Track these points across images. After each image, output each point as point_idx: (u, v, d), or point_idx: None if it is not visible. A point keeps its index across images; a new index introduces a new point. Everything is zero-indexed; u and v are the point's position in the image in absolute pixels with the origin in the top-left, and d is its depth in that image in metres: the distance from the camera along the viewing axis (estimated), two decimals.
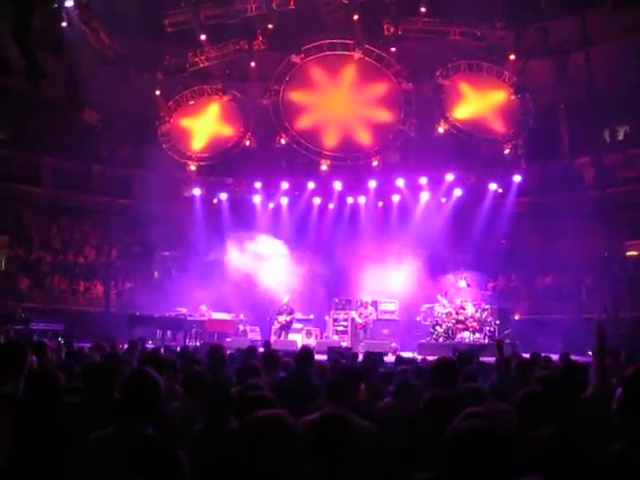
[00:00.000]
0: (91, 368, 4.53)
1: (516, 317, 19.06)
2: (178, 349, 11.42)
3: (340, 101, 22.42)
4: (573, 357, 7.67)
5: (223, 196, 22.66)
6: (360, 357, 10.70)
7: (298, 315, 19.24)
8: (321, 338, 18.85)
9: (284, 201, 22.68)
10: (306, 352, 6.46)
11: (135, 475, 2.55)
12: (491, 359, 9.02)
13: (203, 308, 18.93)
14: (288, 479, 2.70)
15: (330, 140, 22.31)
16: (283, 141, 22.32)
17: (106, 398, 3.95)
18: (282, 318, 18.34)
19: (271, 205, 22.68)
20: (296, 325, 18.99)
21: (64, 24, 19.48)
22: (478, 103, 21.57)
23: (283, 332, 18.31)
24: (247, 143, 22.63)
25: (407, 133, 21.96)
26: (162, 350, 10.21)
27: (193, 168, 22.71)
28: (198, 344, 16.02)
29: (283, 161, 23.17)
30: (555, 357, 8.76)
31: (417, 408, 4.02)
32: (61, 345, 10.16)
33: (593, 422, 3.87)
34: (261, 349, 9.86)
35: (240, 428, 3.10)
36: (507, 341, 15.19)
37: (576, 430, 3.37)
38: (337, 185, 22.16)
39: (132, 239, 23.23)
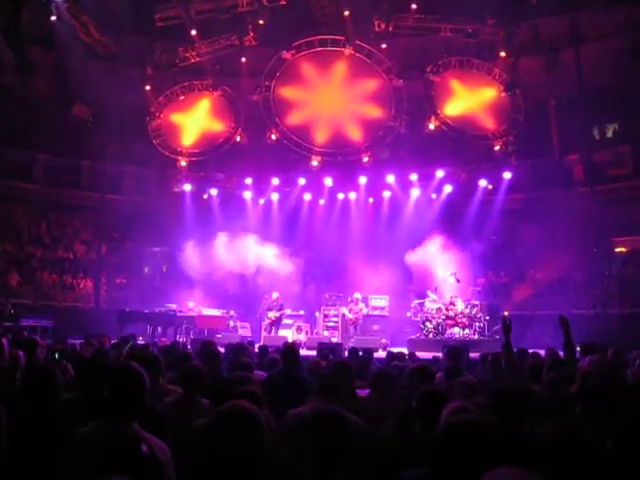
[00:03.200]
0: (83, 364, 4.53)
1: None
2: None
3: (331, 97, 22.40)
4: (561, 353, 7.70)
5: (213, 192, 22.59)
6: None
7: (288, 311, 19.24)
8: (311, 334, 18.86)
9: (274, 197, 22.63)
10: (290, 348, 6.45)
11: (118, 472, 2.55)
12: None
13: (191, 304, 18.86)
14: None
15: (321, 136, 22.29)
16: (274, 137, 22.24)
17: (98, 394, 3.94)
18: (272, 314, 18.30)
19: (261, 201, 22.62)
20: (286, 321, 18.97)
21: (53, 18, 19.38)
22: (469, 100, 21.63)
23: (273, 328, 18.29)
24: (238, 139, 22.59)
25: (398, 129, 21.96)
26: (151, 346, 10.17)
27: (183, 164, 22.64)
28: (189, 340, 16.02)
29: (274, 157, 23.07)
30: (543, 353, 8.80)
31: (405, 403, 4.03)
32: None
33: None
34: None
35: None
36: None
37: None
38: (328, 181, 22.16)
39: (122, 235, 23.15)
